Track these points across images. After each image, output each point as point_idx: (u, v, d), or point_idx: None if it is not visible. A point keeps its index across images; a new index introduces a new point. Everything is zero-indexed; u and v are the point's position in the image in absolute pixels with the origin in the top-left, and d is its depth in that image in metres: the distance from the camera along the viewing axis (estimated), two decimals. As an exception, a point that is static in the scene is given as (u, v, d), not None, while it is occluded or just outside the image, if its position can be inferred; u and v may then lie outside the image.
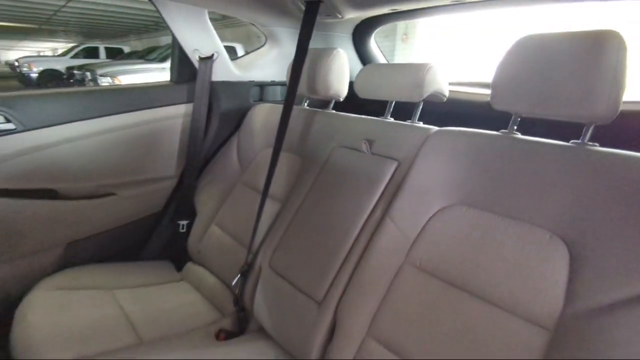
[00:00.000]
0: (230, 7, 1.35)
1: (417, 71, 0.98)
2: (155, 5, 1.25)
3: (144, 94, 1.36)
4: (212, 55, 1.41)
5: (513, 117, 0.84)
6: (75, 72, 9.25)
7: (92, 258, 1.37)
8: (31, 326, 0.97)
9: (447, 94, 1.05)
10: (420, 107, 1.06)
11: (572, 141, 0.76)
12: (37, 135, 1.19)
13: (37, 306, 1.05)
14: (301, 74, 1.20)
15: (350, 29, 1.63)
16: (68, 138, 1.24)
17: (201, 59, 1.39)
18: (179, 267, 1.41)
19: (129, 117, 1.34)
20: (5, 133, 1.14)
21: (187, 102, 1.44)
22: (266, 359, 0.97)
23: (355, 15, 1.39)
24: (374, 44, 1.72)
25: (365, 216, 0.94)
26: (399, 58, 8.02)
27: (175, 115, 1.44)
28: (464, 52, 6.99)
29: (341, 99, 1.26)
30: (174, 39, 1.37)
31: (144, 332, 1.04)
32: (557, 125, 0.80)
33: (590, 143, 0.74)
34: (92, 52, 12.19)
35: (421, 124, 1.02)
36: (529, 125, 0.89)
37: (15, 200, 1.19)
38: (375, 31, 1.66)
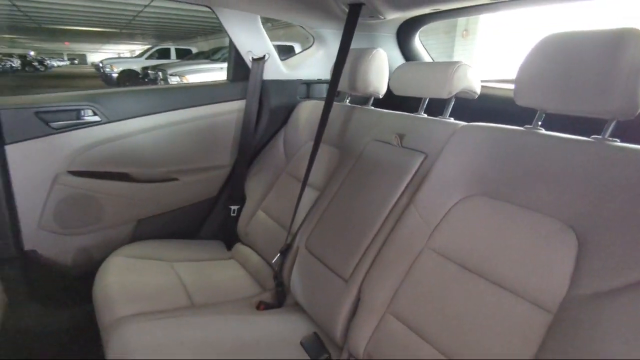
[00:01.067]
0: (280, 12, 1.48)
1: (446, 69, 1.03)
2: (214, 12, 1.42)
3: (204, 91, 1.54)
4: (264, 56, 1.55)
5: (538, 113, 0.87)
6: (149, 71, 10.12)
7: (158, 234, 1.57)
8: (108, 284, 1.18)
9: (478, 91, 1.08)
10: (452, 103, 1.10)
11: (592, 136, 0.78)
12: (116, 126, 1.41)
13: (113, 269, 1.25)
14: (343, 73, 1.30)
15: (394, 29, 1.69)
16: (140, 129, 1.45)
17: (254, 60, 1.54)
18: (229, 247, 1.58)
19: (191, 111, 1.53)
20: (92, 124, 1.37)
21: (241, 98, 1.59)
22: (297, 329, 1.08)
23: (397, 16, 1.45)
24: (419, 43, 1.76)
25: (392, 204, 1.01)
26: (458, 54, 7.77)
27: (230, 111, 1.60)
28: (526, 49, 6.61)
29: (380, 96, 1.33)
30: (231, 42, 1.52)
31: (196, 297, 1.20)
32: (584, 121, 0.82)
33: (611, 139, 0.75)
34: (165, 53, 13.19)
35: (450, 120, 1.07)
36: (556, 122, 0.91)
37: (98, 181, 1.42)
38: (420, 30, 1.70)
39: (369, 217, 1.03)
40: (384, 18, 1.44)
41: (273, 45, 1.60)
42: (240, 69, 1.60)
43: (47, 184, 1.33)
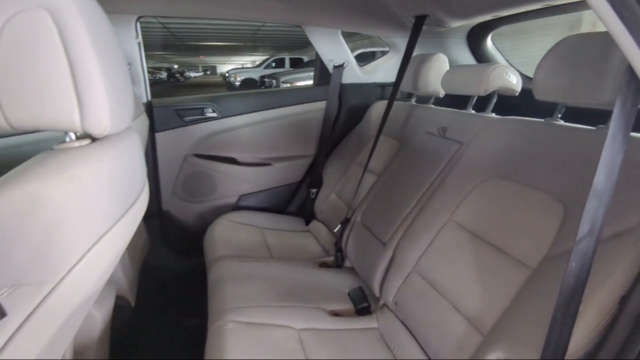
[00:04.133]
0: (356, 26, 1.75)
1: (482, 71, 1.18)
2: (303, 30, 1.75)
3: (293, 94, 1.89)
4: (343, 63, 1.83)
5: (558, 106, 0.98)
6: (265, 79, 11.29)
7: (253, 207, 1.97)
8: (214, 237, 1.59)
9: (517, 89, 1.20)
10: (494, 100, 1.24)
11: (598, 126, 0.88)
12: (227, 121, 1.84)
13: (218, 228, 1.67)
14: (408, 76, 1.51)
15: (464, 34, 1.82)
16: (244, 124, 1.86)
17: (335, 67, 1.84)
18: (307, 223, 1.89)
19: (283, 110, 1.89)
20: (211, 119, 1.82)
21: (323, 99, 1.90)
22: (347, 283, 1.33)
23: (461, 24, 1.60)
24: (491, 46, 1.85)
25: (428, 184, 1.20)
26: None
27: (314, 110, 1.92)
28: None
29: (441, 96, 1.51)
30: (317, 53, 1.85)
31: (274, 253, 1.54)
32: (606, 113, 0.91)
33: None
34: (280, 63, 14.49)
35: (485, 114, 1.21)
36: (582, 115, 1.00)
37: (213, 162, 1.87)
38: (492, 33, 1.79)
39: (408, 194, 1.24)
40: (450, 26, 1.60)
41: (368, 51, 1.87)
42: (323, 75, 1.91)
43: (179, 162, 1.82)
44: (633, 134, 0.82)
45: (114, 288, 1.13)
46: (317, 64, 1.93)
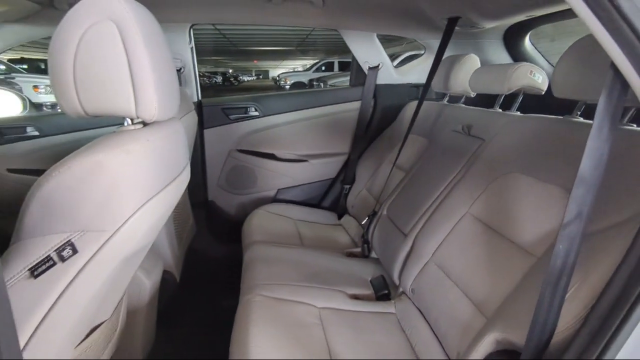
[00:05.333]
0: (391, 29, 1.83)
1: (506, 70, 1.20)
2: (340, 33, 1.85)
3: (329, 94, 2.00)
4: (378, 65, 1.91)
5: (578, 103, 1.00)
6: (314, 82, 11.52)
7: (290, 200, 2.10)
8: (251, 225, 1.73)
9: (543, 87, 1.21)
10: (519, 98, 1.26)
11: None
12: (268, 119, 1.98)
13: (256, 218, 1.81)
14: (441, 76, 1.56)
15: (499, 35, 1.82)
16: (284, 122, 2.00)
17: (370, 68, 1.92)
18: (340, 217, 1.99)
19: (319, 110, 2.00)
20: (254, 117, 1.98)
21: (359, 100, 1.99)
22: (370, 272, 1.41)
23: (494, 25, 1.62)
24: (529, 46, 1.83)
25: (450, 178, 1.25)
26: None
27: (350, 110, 2.02)
28: None
29: (472, 95, 1.54)
30: (353, 55, 1.94)
31: (305, 242, 1.65)
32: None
33: (628, 124, 0.86)
34: (329, 66, 14.69)
35: (508, 112, 1.24)
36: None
37: (254, 158, 2.02)
38: (529, 33, 1.78)
39: (430, 188, 1.29)
40: (483, 27, 1.62)
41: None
42: (359, 76, 2.00)
43: (224, 157, 1.99)
44: (632, 127, 0.83)
45: (161, 262, 1.30)
46: (353, 66, 2.02)
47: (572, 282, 0.71)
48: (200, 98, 1.92)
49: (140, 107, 0.63)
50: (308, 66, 16.96)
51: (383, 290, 1.30)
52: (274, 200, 2.08)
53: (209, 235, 2.03)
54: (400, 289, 1.25)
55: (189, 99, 1.70)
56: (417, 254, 1.20)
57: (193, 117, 1.57)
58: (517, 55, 1.86)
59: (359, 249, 1.61)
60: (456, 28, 1.58)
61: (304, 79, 14.20)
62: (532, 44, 1.84)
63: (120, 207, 0.60)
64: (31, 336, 0.56)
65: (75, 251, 0.57)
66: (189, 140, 1.51)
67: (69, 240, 0.57)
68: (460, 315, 0.96)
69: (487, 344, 0.81)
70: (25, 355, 0.54)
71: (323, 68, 14.65)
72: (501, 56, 1.87)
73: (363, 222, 1.61)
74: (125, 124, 0.68)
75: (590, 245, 0.74)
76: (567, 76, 0.96)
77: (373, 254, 1.56)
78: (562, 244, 0.65)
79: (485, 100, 1.55)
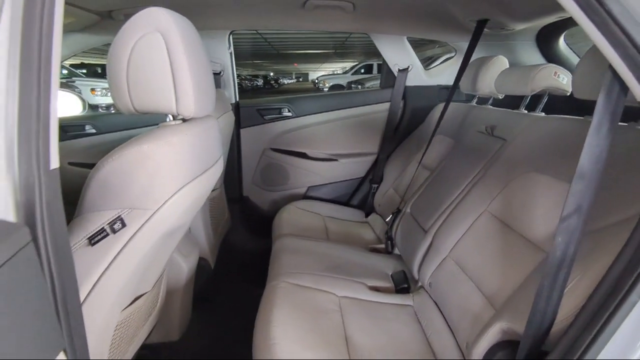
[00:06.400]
0: (421, 32, 1.86)
1: (529, 71, 1.22)
2: (371, 37, 1.92)
3: (359, 96, 2.07)
4: (408, 67, 1.95)
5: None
6: (352, 85, 11.58)
7: (320, 198, 2.18)
8: (281, 219, 1.83)
9: (568, 89, 1.22)
10: (544, 99, 1.27)
11: (629, 123, 0.90)
12: (300, 120, 2.08)
13: (286, 213, 1.91)
14: (469, 78, 1.58)
15: (532, 36, 1.80)
16: (315, 122, 2.09)
17: (399, 71, 1.96)
18: (367, 215, 2.04)
19: (350, 111, 2.08)
20: (287, 118, 2.08)
21: (388, 101, 2.04)
22: (391, 267, 1.46)
23: (525, 26, 1.61)
24: (564, 47, 1.80)
25: (471, 177, 1.28)
26: None
27: (379, 111, 2.07)
28: None
29: (500, 97, 1.55)
30: (383, 58, 1.99)
31: (331, 236, 1.72)
32: None
33: None
34: (368, 68, 14.67)
35: (534, 113, 1.25)
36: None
37: (286, 156, 2.13)
38: (564, 34, 1.75)
39: (451, 187, 1.33)
40: (514, 29, 1.63)
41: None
42: (389, 78, 2.05)
43: (258, 155, 2.11)
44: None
45: (197, 250, 1.42)
46: (384, 68, 2.07)
47: (573, 275, 0.74)
48: (237, 99, 2.06)
49: (180, 106, 0.74)
50: (347, 68, 17.04)
51: (403, 284, 1.35)
52: (305, 197, 2.17)
53: (243, 229, 2.15)
54: (419, 283, 1.29)
55: (227, 100, 1.83)
56: (436, 249, 1.24)
57: (230, 117, 1.69)
58: (551, 56, 1.84)
59: (382, 245, 1.67)
60: (487, 30, 1.60)
61: (343, 81, 14.29)
62: (568, 45, 1.81)
63: (162, 189, 0.71)
64: (88, 294, 0.67)
65: (124, 225, 0.68)
66: (225, 139, 1.64)
67: (119, 216, 0.68)
68: (472, 307, 1.00)
69: (493, 334, 0.85)
70: (83, 308, 0.65)
71: (362, 70, 14.67)
72: (534, 57, 1.85)
73: (387, 219, 1.66)
74: (168, 120, 0.79)
75: (594, 241, 0.76)
76: (587, 77, 0.97)
77: (396, 251, 1.61)
78: (561, 237, 0.68)
79: (513, 102, 1.56)
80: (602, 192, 0.84)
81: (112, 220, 0.68)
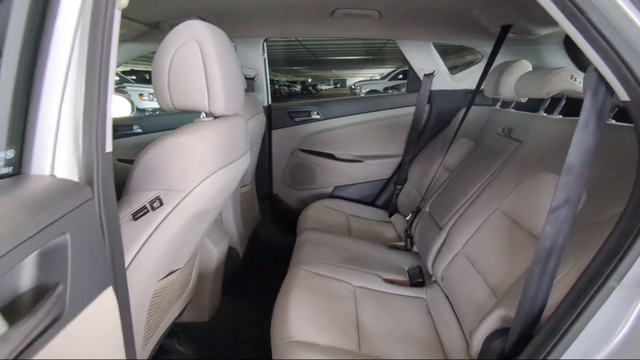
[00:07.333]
0: (446, 37, 1.91)
1: (545, 75, 1.25)
2: (397, 44, 1.99)
3: (386, 99, 2.14)
4: (433, 71, 2.01)
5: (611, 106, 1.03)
6: (388, 90, 11.56)
7: (345, 197, 2.26)
8: (306, 216, 1.93)
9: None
10: (562, 102, 1.30)
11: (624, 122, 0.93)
12: (328, 122, 2.18)
13: (312, 210, 2.01)
14: (492, 82, 1.62)
15: (559, 40, 1.80)
16: (342, 125, 2.18)
17: (425, 75, 2.02)
18: (390, 215, 2.10)
19: (376, 114, 2.15)
20: (315, 120, 2.19)
21: (413, 105, 2.10)
22: (408, 262, 1.52)
23: (550, 31, 1.63)
24: (593, 50, 1.78)
25: (486, 177, 1.32)
26: None
27: (405, 114, 2.13)
28: None
29: (523, 100, 1.58)
30: (409, 63, 2.06)
31: (353, 233, 1.80)
32: None
33: None
34: (406, 74, 14.56)
35: (551, 116, 1.27)
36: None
37: (314, 157, 2.23)
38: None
39: (467, 186, 1.37)
40: (539, 34, 1.65)
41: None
42: (415, 83, 2.11)
43: (287, 155, 2.24)
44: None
45: (227, 239, 1.55)
46: (410, 73, 2.13)
47: (565, 266, 0.79)
48: (270, 103, 2.19)
49: (211, 104, 0.86)
50: (384, 74, 17.01)
51: (418, 278, 1.40)
52: (331, 196, 2.27)
53: (271, 224, 2.28)
54: (433, 278, 1.35)
55: (259, 103, 1.97)
56: (449, 245, 1.29)
57: (261, 119, 1.82)
58: (580, 60, 1.82)
59: (402, 243, 1.73)
60: (512, 35, 1.62)
61: (379, 87, 14.30)
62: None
63: (194, 175, 0.83)
64: (131, 262, 0.80)
65: (161, 204, 0.81)
66: (257, 139, 1.77)
67: (158, 196, 0.81)
68: (478, 298, 1.05)
69: (492, 321, 0.90)
70: (127, 273, 0.78)
71: (400, 76, 14.60)
72: (562, 61, 1.85)
73: (407, 218, 1.72)
74: (201, 116, 0.92)
75: (587, 235, 0.80)
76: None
77: (415, 249, 1.66)
78: (550, 227, 0.73)
79: (535, 105, 1.58)
80: (597, 191, 0.87)
81: (152, 200, 0.81)
